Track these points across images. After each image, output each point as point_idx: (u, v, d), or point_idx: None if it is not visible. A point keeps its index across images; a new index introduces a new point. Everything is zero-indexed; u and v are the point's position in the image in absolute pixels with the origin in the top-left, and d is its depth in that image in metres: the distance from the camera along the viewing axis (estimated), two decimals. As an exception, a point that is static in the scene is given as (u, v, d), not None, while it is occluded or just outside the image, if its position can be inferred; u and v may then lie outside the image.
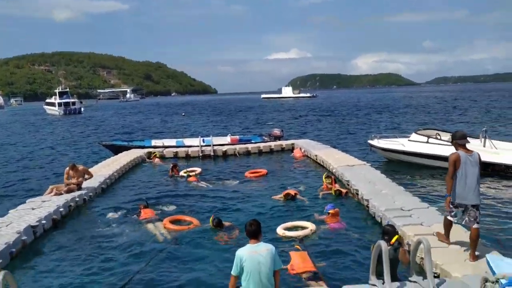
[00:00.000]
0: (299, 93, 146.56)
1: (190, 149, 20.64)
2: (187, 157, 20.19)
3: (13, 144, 32.29)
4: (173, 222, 9.71)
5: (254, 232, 5.30)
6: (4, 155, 25.87)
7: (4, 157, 24.63)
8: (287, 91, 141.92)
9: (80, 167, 12.54)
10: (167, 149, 20.66)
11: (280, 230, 8.79)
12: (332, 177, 12.41)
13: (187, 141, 22.99)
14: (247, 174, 15.27)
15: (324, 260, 7.34)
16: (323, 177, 12.42)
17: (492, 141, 14.60)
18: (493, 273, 4.08)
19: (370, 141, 18.12)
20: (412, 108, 61.18)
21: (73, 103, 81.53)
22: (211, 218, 9.38)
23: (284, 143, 21.53)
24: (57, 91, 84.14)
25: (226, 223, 9.33)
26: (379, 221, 9.20)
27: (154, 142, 23.05)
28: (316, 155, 17.35)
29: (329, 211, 9.44)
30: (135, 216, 10.36)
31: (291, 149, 20.45)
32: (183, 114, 67.50)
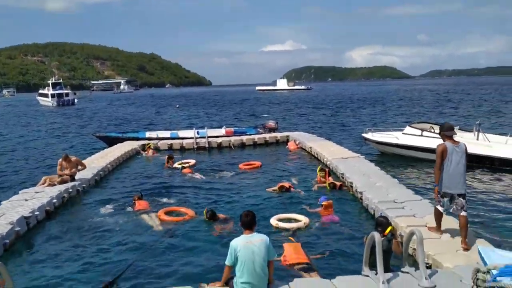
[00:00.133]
0: (294, 85, 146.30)
1: (184, 141, 20.60)
2: (182, 149, 20.14)
3: (6, 135, 32.05)
4: (168, 213, 9.71)
5: (249, 223, 5.34)
6: (-3, 146, 25.69)
7: (-3, 148, 24.46)
8: (282, 84, 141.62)
9: (73, 158, 12.48)
10: (161, 141, 20.61)
11: (274, 221, 8.83)
12: (326, 170, 12.43)
13: (182, 133, 22.94)
14: (241, 166, 15.28)
15: (317, 252, 7.38)
16: (317, 170, 12.45)
17: (486, 134, 14.70)
18: (485, 264, 4.12)
19: (364, 134, 18.16)
20: (406, 101, 61.38)
21: (67, 94, 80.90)
22: (204, 211, 9.39)
23: (279, 135, 21.55)
24: (50, 82, 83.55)
25: (221, 216, 9.34)
26: (372, 213, 9.27)
27: (148, 134, 22.98)
28: (310, 147, 17.40)
29: (323, 203, 9.48)
30: (129, 207, 10.35)
31: (286, 141, 20.48)
32: (177, 106, 67.25)
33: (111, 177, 14.43)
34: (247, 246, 5.19)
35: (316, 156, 16.46)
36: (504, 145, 14.08)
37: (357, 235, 8.13)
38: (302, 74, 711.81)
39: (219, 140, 20.70)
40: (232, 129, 23.41)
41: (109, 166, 15.04)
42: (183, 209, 9.97)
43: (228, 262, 5.27)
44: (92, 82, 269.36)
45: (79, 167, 12.49)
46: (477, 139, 14.50)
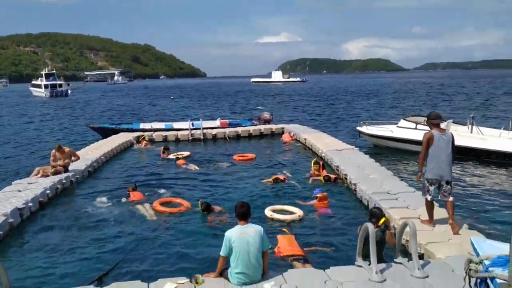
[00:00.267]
0: (289, 77, 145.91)
1: (179, 133, 20.55)
2: (177, 140, 20.10)
3: (-1, 126, 31.82)
4: (163, 204, 9.70)
5: (244, 214, 5.35)
6: (-11, 137, 25.49)
7: (-10, 139, 24.28)
8: (277, 76, 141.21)
9: (67, 149, 12.41)
10: (156, 133, 20.55)
11: (268, 212, 8.85)
12: (321, 162, 12.43)
13: (176, 125, 22.87)
14: (235, 157, 15.30)
15: (311, 244, 7.41)
16: (312, 163, 12.46)
17: (479, 127, 14.78)
18: (477, 254, 4.16)
19: (358, 128, 18.18)
20: (400, 93, 61.51)
21: (60, 85, 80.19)
22: (199, 202, 9.40)
23: (274, 127, 21.56)
24: (43, 72, 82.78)
25: (216, 207, 9.35)
26: (366, 204, 9.33)
27: (142, 125, 22.88)
28: (305, 139, 17.43)
29: (317, 195, 9.50)
30: (123, 198, 10.33)
31: (281, 133, 20.48)
32: (172, 97, 66.96)
33: (105, 169, 14.38)
34: (242, 236, 5.21)
35: (310, 148, 16.49)
36: (498, 138, 14.17)
37: (351, 226, 8.17)
38: (297, 66, 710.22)
39: (214, 131, 20.66)
40: (227, 121, 23.39)
41: (102, 157, 14.98)
42: (178, 200, 9.97)
43: (222, 252, 5.29)
44: (86, 73, 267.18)
45: (73, 158, 12.42)
46: (471, 132, 14.59)
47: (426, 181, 7.08)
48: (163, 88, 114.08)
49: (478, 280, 3.82)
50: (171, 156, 15.48)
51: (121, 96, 78.32)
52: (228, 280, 5.30)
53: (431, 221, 7.22)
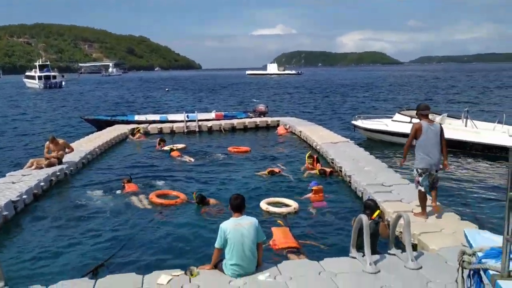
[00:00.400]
0: (284, 70, 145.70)
1: (175, 125, 20.51)
2: (172, 132, 20.07)
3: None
4: (159, 196, 9.69)
5: (238, 206, 5.36)
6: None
7: (-17, 131, 24.09)
8: (272, 68, 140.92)
9: (61, 141, 12.33)
10: (151, 125, 20.48)
11: (264, 205, 8.86)
12: (315, 156, 12.42)
13: (171, 117, 22.81)
14: (230, 149, 15.31)
15: (306, 236, 7.45)
16: (306, 156, 12.47)
17: (473, 121, 14.84)
18: (471, 246, 4.18)
19: (353, 122, 18.17)
20: (396, 87, 61.58)
21: (54, 77, 79.60)
22: (194, 195, 9.39)
23: (269, 119, 21.55)
24: (37, 64, 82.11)
25: (210, 200, 9.35)
26: (360, 196, 9.38)
27: (137, 117, 22.80)
28: (300, 131, 17.45)
29: (313, 188, 9.52)
30: (118, 190, 10.30)
31: (276, 126, 20.48)
32: (167, 89, 66.69)
33: (100, 161, 14.33)
34: (237, 228, 5.22)
35: (305, 140, 16.51)
36: (492, 132, 14.24)
37: (345, 218, 8.21)
38: (292, 58, 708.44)
39: (210, 124, 20.64)
40: (222, 113, 23.34)
41: (97, 149, 14.92)
42: (174, 193, 9.96)
43: (217, 244, 5.29)
44: (80, 64, 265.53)
45: (67, 150, 12.35)
46: (465, 126, 14.66)
47: (416, 172, 7.25)
48: (158, 80, 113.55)
49: (471, 272, 3.85)
50: (166, 148, 15.47)
51: (115, 88, 77.87)
52: (223, 272, 5.32)
53: (424, 213, 7.31)
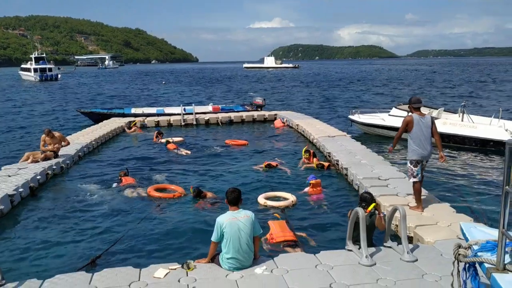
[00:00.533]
0: (281, 63, 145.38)
1: (172, 118, 20.49)
2: (169, 125, 20.05)
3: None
4: (157, 190, 9.68)
5: (235, 199, 5.36)
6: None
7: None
8: (270, 61, 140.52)
9: (57, 134, 12.26)
10: (149, 118, 20.44)
11: (262, 199, 8.87)
12: (311, 151, 12.42)
13: (168, 109, 22.76)
14: (228, 141, 15.32)
15: (304, 229, 7.47)
16: (303, 151, 12.46)
17: (470, 115, 14.88)
18: (466, 239, 4.20)
19: (350, 116, 18.15)
20: (393, 80, 61.57)
21: (50, 69, 79.11)
22: (191, 188, 9.39)
23: (266, 113, 21.53)
24: (33, 56, 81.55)
25: (207, 193, 9.36)
26: (357, 189, 9.41)
27: (134, 110, 22.71)
28: (297, 125, 17.46)
29: (311, 182, 9.54)
30: (115, 184, 10.28)
31: (274, 119, 20.49)
32: (163, 82, 66.47)
33: (96, 154, 14.29)
34: (233, 222, 5.22)
35: (303, 133, 16.52)
36: (488, 126, 14.27)
37: (342, 211, 8.25)
38: (289, 52, 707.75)
39: (207, 116, 20.61)
40: (219, 106, 23.29)
41: (94, 142, 14.88)
42: (173, 187, 9.95)
43: (214, 238, 5.30)
44: (76, 57, 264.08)
45: (63, 143, 12.29)
46: (462, 120, 14.69)
47: (409, 163, 7.38)
48: (155, 73, 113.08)
49: (467, 265, 3.87)
50: (163, 140, 15.46)
51: (112, 81, 77.51)
52: (220, 266, 5.32)
53: (420, 205, 7.38)
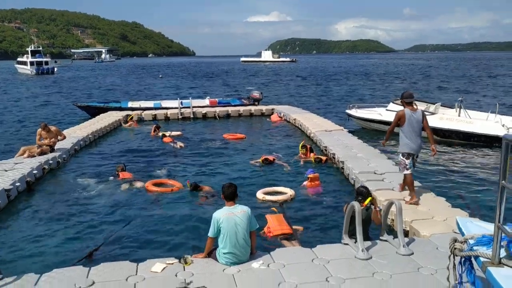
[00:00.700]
0: (278, 57, 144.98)
1: (169, 111, 20.47)
2: (166, 119, 20.03)
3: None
4: (155, 185, 9.68)
5: (231, 195, 5.36)
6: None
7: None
8: (267, 55, 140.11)
9: (53, 128, 12.20)
10: (146, 112, 20.40)
11: (260, 195, 8.88)
12: (308, 146, 12.43)
13: (165, 103, 22.71)
14: (225, 135, 15.32)
15: (301, 223, 7.50)
16: (299, 146, 12.47)
17: (467, 111, 14.90)
18: (462, 234, 4.22)
19: (347, 111, 18.13)
20: (390, 75, 61.56)
21: (46, 63, 78.69)
22: (188, 183, 9.39)
23: (264, 107, 21.52)
24: (29, 49, 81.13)
25: (204, 187, 9.36)
26: (353, 183, 9.44)
27: (131, 104, 22.64)
28: (294, 119, 17.46)
29: (309, 176, 9.56)
30: (112, 178, 10.26)
31: (271, 114, 20.47)
32: (160, 76, 66.27)
33: (93, 148, 14.26)
34: (230, 217, 5.23)
35: (300, 127, 16.52)
36: (485, 122, 14.30)
37: (338, 205, 8.27)
38: (287, 46, 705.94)
39: (204, 110, 20.59)
40: (216, 100, 23.24)
41: (90, 136, 14.84)
42: (170, 182, 9.95)
43: (210, 233, 5.31)
44: (73, 50, 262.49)
45: (59, 137, 12.23)
46: (459, 116, 14.71)
47: (401, 156, 7.59)
48: (152, 67, 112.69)
49: (463, 259, 3.89)
50: (160, 134, 15.45)
51: (109, 74, 77.18)
52: (217, 260, 5.34)
53: (414, 196, 7.50)
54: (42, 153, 11.47)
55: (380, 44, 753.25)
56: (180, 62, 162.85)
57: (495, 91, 34.39)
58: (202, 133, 16.62)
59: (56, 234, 7.26)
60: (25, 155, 11.28)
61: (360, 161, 10.43)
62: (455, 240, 3.98)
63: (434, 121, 14.61)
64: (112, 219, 7.91)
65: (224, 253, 5.25)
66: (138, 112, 20.15)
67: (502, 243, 3.58)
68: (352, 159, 10.57)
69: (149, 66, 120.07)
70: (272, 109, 20.97)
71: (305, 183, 9.58)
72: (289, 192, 8.93)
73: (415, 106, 7.62)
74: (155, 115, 20.10)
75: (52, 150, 11.82)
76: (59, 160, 11.70)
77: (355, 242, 5.63)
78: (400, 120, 7.48)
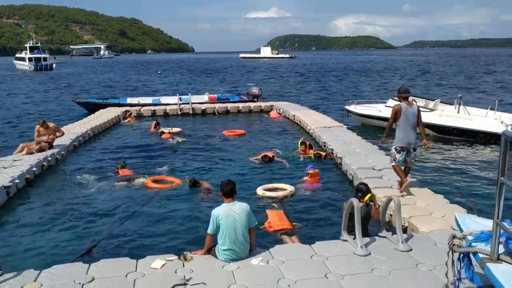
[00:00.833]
0: (277, 53, 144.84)
1: (168, 107, 20.46)
2: (166, 115, 20.02)
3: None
4: (155, 181, 9.68)
5: (230, 191, 5.37)
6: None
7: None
8: (266, 51, 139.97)
9: (51, 124, 12.15)
10: (145, 108, 20.38)
11: (260, 191, 8.89)
12: (307, 143, 12.43)
13: (164, 99, 22.71)
14: (225, 132, 15.32)
15: (301, 219, 7.52)
16: (299, 143, 12.47)
17: (466, 107, 14.90)
18: (461, 230, 4.24)
19: (347, 107, 18.13)
20: (389, 72, 61.52)
21: (45, 59, 78.48)
22: (186, 179, 9.40)
23: (263, 104, 21.53)
24: (27, 45, 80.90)
25: (203, 183, 9.37)
26: (351, 179, 9.46)
27: (129, 100, 22.63)
28: (294, 115, 17.46)
29: (309, 171, 9.58)
30: (112, 175, 10.26)
31: (270, 110, 20.48)
32: (159, 72, 66.17)
33: (92, 144, 14.24)
34: (229, 214, 5.24)
35: (299, 124, 16.52)
36: (484, 118, 14.30)
37: (338, 201, 8.29)
38: (286, 42, 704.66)
39: (203, 106, 20.59)
40: (215, 96, 23.23)
41: (89, 132, 14.83)
42: (170, 178, 9.95)
43: (210, 230, 5.31)
44: (71, 46, 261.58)
45: (57, 134, 12.20)
46: (458, 112, 14.71)
47: (394, 150, 7.84)
48: (151, 63, 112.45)
49: (461, 255, 3.91)
50: (160, 130, 15.45)
51: (108, 70, 77.02)
52: (216, 257, 5.35)
53: (404, 181, 7.77)
54: (40, 149, 11.45)
55: (379, 40, 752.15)
56: (179, 58, 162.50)
57: (494, 88, 34.40)
58: (201, 130, 16.62)
59: (55, 231, 7.27)
60: (24, 152, 11.26)
61: (358, 156, 10.47)
62: (454, 237, 4.00)
63: (433, 118, 14.64)
64: (111, 215, 7.91)
65: (223, 250, 5.26)
66: (137, 108, 20.13)
67: (500, 240, 3.60)
68: (350, 155, 10.61)
69: (148, 62, 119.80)
70: (271, 106, 20.97)
71: (305, 178, 9.60)
72: (288, 188, 8.95)
73: (414, 103, 7.77)
74: (154, 111, 20.10)
75: (50, 146, 11.80)
76: (58, 156, 11.69)
77: (354, 239, 5.64)
78: (396, 114, 7.71)
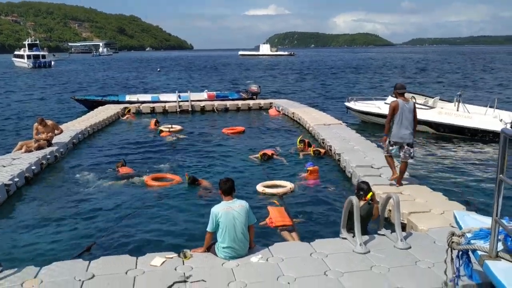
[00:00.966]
0: (276, 51, 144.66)
1: (167, 104, 20.45)
2: (165, 112, 20.01)
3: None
4: (154, 179, 9.68)
5: (229, 189, 5.38)
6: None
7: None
8: (265, 49, 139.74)
9: (49, 122, 12.09)
10: (144, 105, 20.37)
11: (260, 188, 8.91)
12: (306, 140, 12.44)
13: (163, 97, 22.67)
14: (224, 130, 15.32)
15: (301, 216, 7.54)
16: (297, 140, 12.47)
17: (466, 105, 14.91)
18: (460, 228, 4.25)
19: (346, 103, 18.13)
20: (388, 69, 61.49)
21: (43, 56, 78.35)
22: (186, 176, 9.41)
23: (262, 102, 21.51)
24: (26, 43, 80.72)
25: (203, 181, 9.38)
26: (349, 176, 9.48)
27: (128, 97, 22.59)
28: (293, 113, 17.46)
29: (308, 168, 9.59)
30: (112, 172, 10.26)
31: (269, 108, 20.48)
32: (158, 69, 66.07)
33: (91, 142, 14.23)
34: (228, 212, 5.25)
35: (298, 121, 16.53)
36: (483, 116, 14.31)
37: (336, 199, 8.32)
38: (285, 39, 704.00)
39: (202, 104, 20.58)
40: (214, 93, 23.20)
41: (89, 128, 14.82)
42: (169, 176, 9.95)
43: (209, 228, 5.32)
44: (70, 44, 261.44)
45: (56, 132, 12.15)
46: (457, 110, 14.72)
47: (388, 143, 8.08)
48: (150, 60, 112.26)
49: (460, 252, 3.92)
50: (161, 128, 15.44)
51: (106, 68, 76.88)
52: (216, 255, 5.36)
53: (395, 172, 8.14)
54: (39, 147, 11.42)
55: (378, 38, 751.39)
56: (178, 56, 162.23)
57: (493, 85, 34.41)
58: (201, 127, 16.61)
59: (55, 228, 7.27)
60: (23, 150, 11.21)
61: (357, 153, 10.49)
62: (453, 234, 4.02)
63: (432, 115, 14.65)
64: (111, 213, 7.91)
65: (223, 248, 5.27)
66: (136, 105, 20.11)
67: (499, 237, 3.61)
68: (349, 152, 10.64)
69: (147, 59, 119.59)
70: (271, 103, 20.96)
71: (304, 175, 9.61)
72: (288, 185, 8.98)
73: (412, 100, 7.97)
74: (154, 108, 20.09)
75: (49, 144, 11.78)
76: (57, 154, 11.67)
77: (353, 237, 5.65)
78: (394, 110, 7.86)
